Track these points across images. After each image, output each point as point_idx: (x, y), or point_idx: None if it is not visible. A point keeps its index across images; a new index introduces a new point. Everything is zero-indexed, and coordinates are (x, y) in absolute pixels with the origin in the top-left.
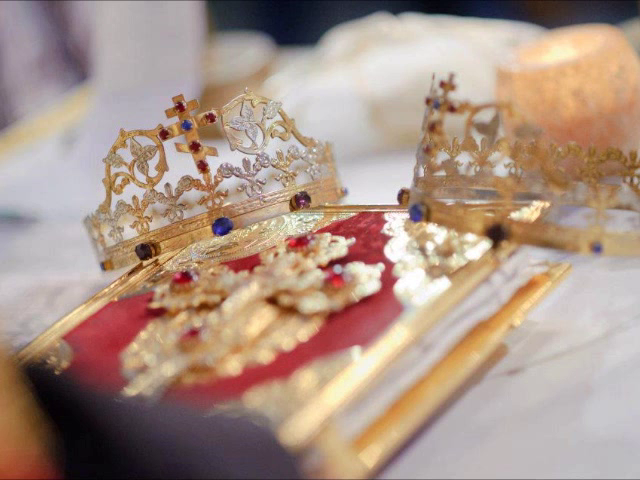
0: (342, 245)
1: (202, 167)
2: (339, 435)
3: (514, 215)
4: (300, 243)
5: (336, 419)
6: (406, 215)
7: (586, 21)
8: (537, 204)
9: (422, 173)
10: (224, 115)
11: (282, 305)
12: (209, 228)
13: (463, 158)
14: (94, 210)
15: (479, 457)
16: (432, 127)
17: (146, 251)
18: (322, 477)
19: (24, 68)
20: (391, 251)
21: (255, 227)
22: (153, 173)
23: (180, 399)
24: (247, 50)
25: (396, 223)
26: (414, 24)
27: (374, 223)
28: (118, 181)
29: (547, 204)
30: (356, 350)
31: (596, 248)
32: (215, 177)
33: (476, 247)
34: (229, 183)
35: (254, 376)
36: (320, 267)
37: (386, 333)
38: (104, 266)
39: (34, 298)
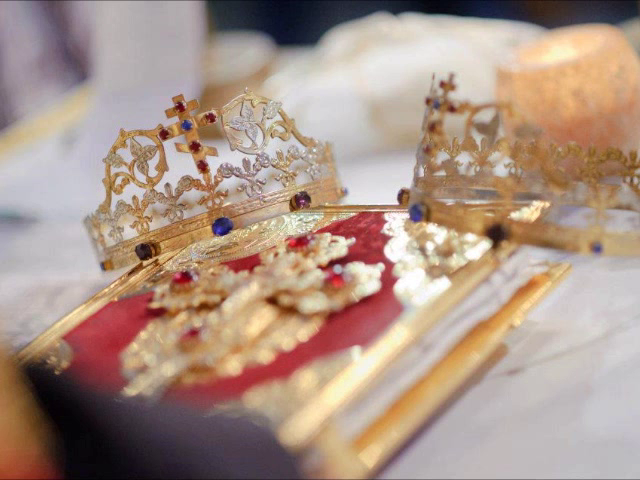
0: (342, 245)
1: (202, 167)
2: (339, 435)
3: (514, 215)
4: (300, 243)
5: (336, 419)
6: (406, 215)
7: (586, 21)
8: (537, 204)
9: (422, 173)
10: (224, 115)
11: (282, 305)
12: (209, 228)
13: (463, 158)
14: (94, 210)
15: (479, 457)
16: (432, 127)
17: (146, 251)
18: (322, 477)
19: (24, 68)
20: (391, 251)
21: (255, 227)
22: (153, 173)
23: (180, 399)
24: (247, 50)
25: (396, 223)
26: (414, 24)
27: (374, 223)
28: (118, 181)
29: (547, 204)
30: (356, 350)
31: (596, 248)
32: (215, 177)
33: (476, 247)
34: (229, 183)
35: (254, 376)
36: (320, 267)
37: (386, 333)
38: (104, 266)
39: (34, 298)
